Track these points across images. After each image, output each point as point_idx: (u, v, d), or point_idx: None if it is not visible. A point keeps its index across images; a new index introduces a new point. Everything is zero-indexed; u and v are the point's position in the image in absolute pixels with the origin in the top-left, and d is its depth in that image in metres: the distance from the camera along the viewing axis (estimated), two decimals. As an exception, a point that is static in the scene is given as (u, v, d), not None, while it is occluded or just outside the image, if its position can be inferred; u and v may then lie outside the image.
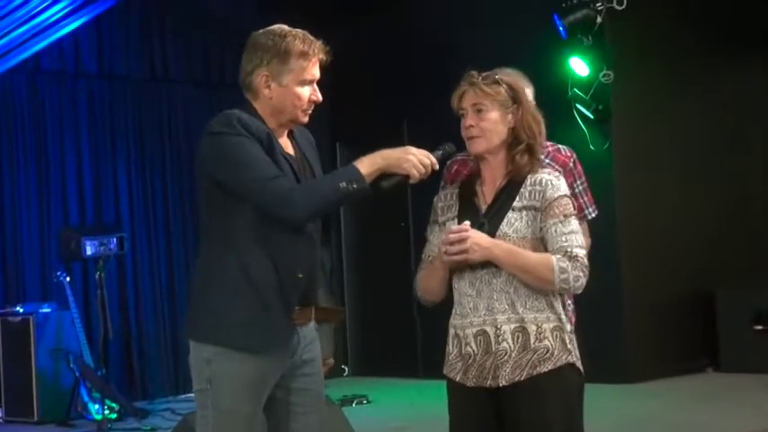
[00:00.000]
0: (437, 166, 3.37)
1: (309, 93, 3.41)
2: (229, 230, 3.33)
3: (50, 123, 9.57)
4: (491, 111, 3.36)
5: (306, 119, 3.45)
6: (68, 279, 8.55)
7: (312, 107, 3.44)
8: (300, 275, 3.35)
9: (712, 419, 7.09)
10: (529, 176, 3.36)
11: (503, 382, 3.27)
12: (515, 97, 3.38)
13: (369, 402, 8.52)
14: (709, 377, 8.77)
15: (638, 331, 8.65)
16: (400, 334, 9.89)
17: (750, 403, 7.53)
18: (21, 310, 8.65)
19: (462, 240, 3.24)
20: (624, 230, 8.64)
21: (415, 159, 3.30)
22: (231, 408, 3.31)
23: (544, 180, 3.35)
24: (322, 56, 3.42)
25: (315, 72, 3.42)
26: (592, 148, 8.49)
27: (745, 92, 9.52)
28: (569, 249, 3.28)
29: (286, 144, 3.47)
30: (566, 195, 3.36)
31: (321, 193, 3.29)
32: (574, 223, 3.33)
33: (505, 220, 3.32)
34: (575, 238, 3.31)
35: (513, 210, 3.33)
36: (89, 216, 9.73)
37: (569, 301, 4.17)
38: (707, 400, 7.80)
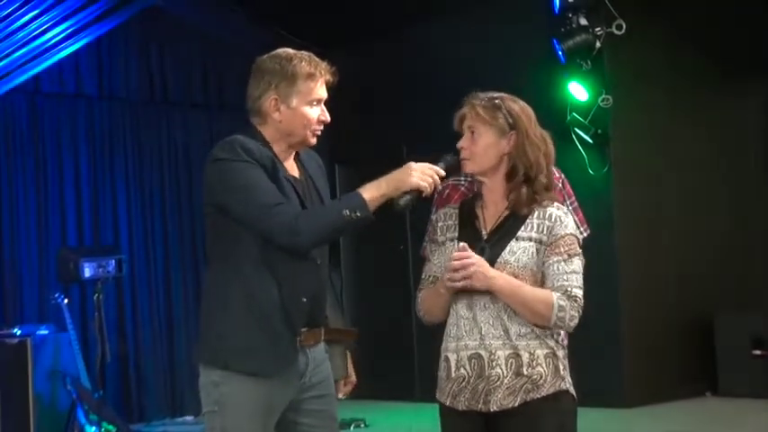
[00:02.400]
0: (443, 173, 3.38)
1: (318, 113, 3.45)
2: (235, 256, 3.37)
3: (50, 145, 9.58)
4: (484, 135, 3.35)
5: (314, 140, 3.49)
6: (66, 301, 8.52)
7: (321, 128, 3.48)
8: (304, 300, 3.37)
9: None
10: (537, 208, 3.35)
11: (494, 408, 3.26)
12: (514, 123, 3.36)
13: (366, 426, 8.49)
14: (707, 402, 8.74)
15: (637, 355, 8.63)
16: (397, 356, 9.86)
17: (748, 428, 7.51)
18: (18, 332, 8.60)
19: (466, 267, 3.23)
20: (623, 255, 8.64)
21: (419, 172, 3.33)
22: (239, 431, 3.34)
23: (554, 215, 3.34)
24: (328, 77, 3.47)
25: (322, 92, 3.46)
26: (591, 172, 8.50)
27: (744, 117, 9.54)
28: (569, 289, 3.27)
29: (292, 167, 3.50)
30: (573, 234, 3.35)
31: (325, 222, 3.31)
32: (576, 263, 3.33)
33: (508, 248, 3.31)
34: (575, 278, 3.30)
35: (516, 239, 3.33)
36: (87, 238, 9.73)
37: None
38: (705, 425, 7.78)
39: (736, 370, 8.66)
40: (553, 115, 8.32)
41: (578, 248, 3.36)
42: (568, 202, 4.33)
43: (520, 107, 3.42)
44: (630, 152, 8.80)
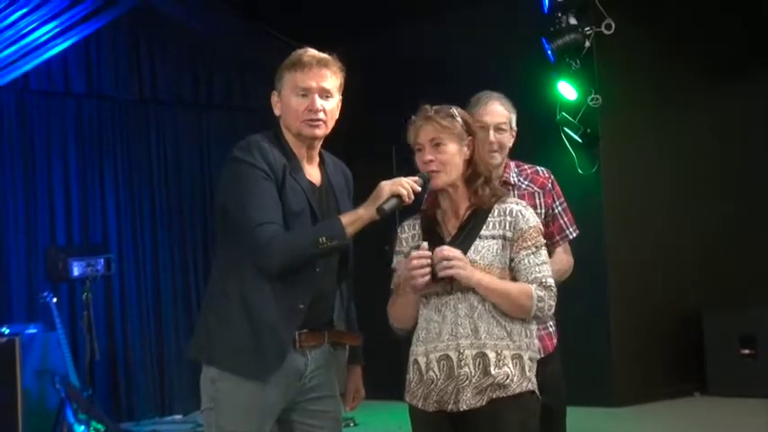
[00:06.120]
0: (418, 188, 3.37)
1: (307, 103, 3.42)
2: (236, 256, 3.38)
3: (38, 143, 9.54)
4: (449, 144, 3.40)
5: (313, 131, 3.44)
6: (55, 300, 8.50)
7: (315, 117, 3.42)
8: (301, 306, 3.36)
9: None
10: (497, 206, 3.42)
11: (464, 407, 3.31)
12: (469, 130, 3.43)
13: (356, 425, 8.50)
14: (696, 401, 8.76)
15: (625, 354, 8.64)
16: (386, 356, 9.85)
17: (737, 428, 7.52)
18: (6, 331, 8.58)
19: (451, 258, 3.25)
20: (612, 253, 8.65)
21: (390, 183, 3.34)
22: (233, 429, 3.37)
23: (514, 211, 3.41)
24: (318, 66, 3.44)
25: (311, 82, 3.43)
26: (580, 171, 8.50)
27: (733, 115, 9.55)
28: (544, 280, 3.35)
29: (312, 173, 3.50)
30: (536, 227, 3.42)
31: (298, 247, 3.31)
32: (544, 254, 3.41)
33: (473, 248, 3.36)
34: (546, 268, 3.39)
35: (480, 237, 3.38)
36: (76, 236, 9.70)
37: (551, 323, 4.21)
38: (694, 425, 7.79)
39: (725, 369, 8.68)
40: (542, 115, 8.33)
41: (542, 239, 3.43)
42: (558, 202, 4.33)
43: (467, 113, 3.52)
44: (620, 151, 8.80)
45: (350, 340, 3.65)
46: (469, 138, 3.42)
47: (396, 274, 3.55)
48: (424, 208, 3.55)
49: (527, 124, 4.42)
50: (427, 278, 3.28)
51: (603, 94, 8.50)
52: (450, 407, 3.32)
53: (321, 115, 3.43)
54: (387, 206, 3.33)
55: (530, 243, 3.37)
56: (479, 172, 3.42)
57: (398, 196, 3.33)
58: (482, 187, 3.41)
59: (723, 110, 9.51)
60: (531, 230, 3.38)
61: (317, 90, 3.43)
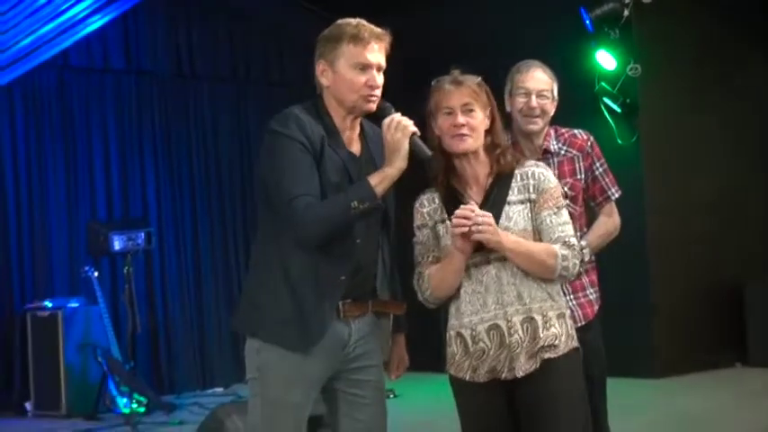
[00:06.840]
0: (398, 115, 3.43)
1: (366, 78, 3.41)
2: (277, 229, 3.39)
3: (78, 119, 9.61)
4: (478, 111, 3.43)
5: (370, 106, 3.46)
6: (96, 274, 8.59)
7: (374, 93, 3.44)
8: (343, 278, 3.38)
9: (741, 415, 7.06)
10: (517, 170, 3.46)
11: (520, 373, 3.34)
12: (489, 101, 3.48)
13: (395, 396, 8.52)
14: (737, 372, 8.72)
15: (667, 325, 8.61)
16: (426, 328, 9.87)
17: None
18: (49, 305, 8.70)
19: (477, 217, 3.28)
20: (652, 224, 8.60)
21: (393, 129, 3.37)
22: (277, 398, 3.39)
23: (536, 173, 3.46)
24: (376, 41, 3.44)
25: (370, 57, 3.43)
26: (619, 141, 8.45)
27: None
28: (567, 239, 3.40)
29: (352, 142, 3.50)
30: (557, 187, 3.48)
31: (332, 214, 3.32)
32: (565, 214, 3.46)
33: (504, 215, 3.40)
34: (569, 228, 3.44)
35: (509, 204, 3.41)
36: (116, 211, 9.77)
37: (590, 290, 4.22)
38: (735, 396, 7.76)
39: (767, 340, 8.62)
40: (581, 85, 8.28)
41: (563, 200, 3.49)
42: (598, 164, 4.33)
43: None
44: (659, 121, 8.74)
45: (394, 309, 3.64)
46: (489, 108, 3.46)
47: (418, 248, 3.54)
48: (439, 180, 3.53)
49: (566, 94, 4.40)
50: (479, 235, 3.28)
51: (642, 63, 8.44)
52: (504, 375, 3.35)
53: (378, 92, 3.45)
54: (423, 153, 3.37)
55: (551, 203, 3.42)
56: (497, 143, 3.47)
57: (413, 134, 3.37)
58: (503, 156, 3.46)
59: (764, 78, 9.40)
60: (552, 190, 3.44)
61: (377, 66, 3.44)
